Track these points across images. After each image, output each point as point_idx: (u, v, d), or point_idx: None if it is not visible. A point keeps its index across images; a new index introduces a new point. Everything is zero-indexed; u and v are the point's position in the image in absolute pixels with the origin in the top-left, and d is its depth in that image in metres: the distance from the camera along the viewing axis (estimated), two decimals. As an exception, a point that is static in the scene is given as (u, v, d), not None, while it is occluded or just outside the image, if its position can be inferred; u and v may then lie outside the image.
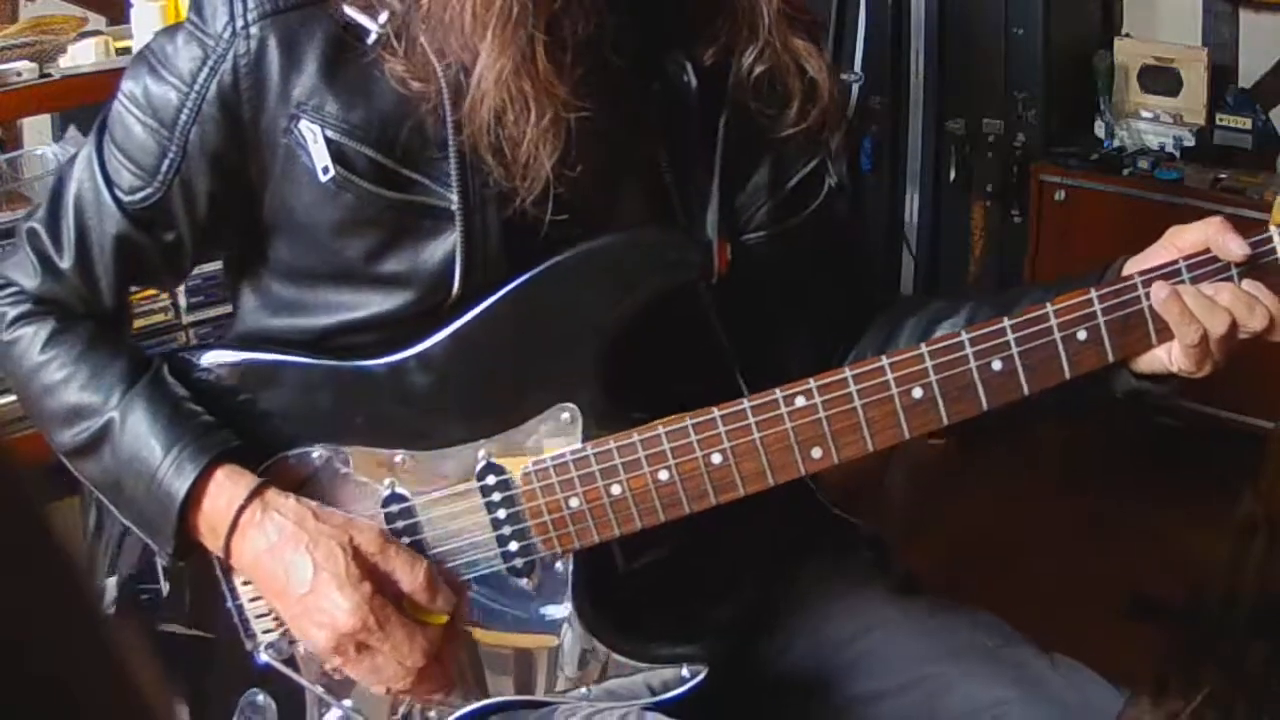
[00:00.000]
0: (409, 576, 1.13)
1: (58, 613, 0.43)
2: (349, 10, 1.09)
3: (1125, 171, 3.05)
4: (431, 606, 1.14)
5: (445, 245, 1.12)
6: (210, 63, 1.11)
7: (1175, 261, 1.11)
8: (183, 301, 2.26)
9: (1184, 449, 2.99)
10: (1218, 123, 3.06)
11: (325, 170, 1.10)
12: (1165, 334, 1.11)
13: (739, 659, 1.29)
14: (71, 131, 2.59)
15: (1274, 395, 2.78)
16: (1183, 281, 1.11)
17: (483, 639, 1.20)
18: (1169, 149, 3.08)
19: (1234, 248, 1.10)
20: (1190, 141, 3.07)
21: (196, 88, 1.11)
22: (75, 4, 2.96)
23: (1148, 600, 2.54)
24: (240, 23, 1.10)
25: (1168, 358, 1.12)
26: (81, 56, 2.26)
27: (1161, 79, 3.11)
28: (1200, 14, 3.19)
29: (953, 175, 3.26)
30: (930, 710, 1.22)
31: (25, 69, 2.21)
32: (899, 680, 1.24)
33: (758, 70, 1.18)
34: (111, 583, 1.26)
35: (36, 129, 3.00)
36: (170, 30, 1.15)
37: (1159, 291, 1.10)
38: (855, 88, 3.25)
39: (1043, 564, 2.65)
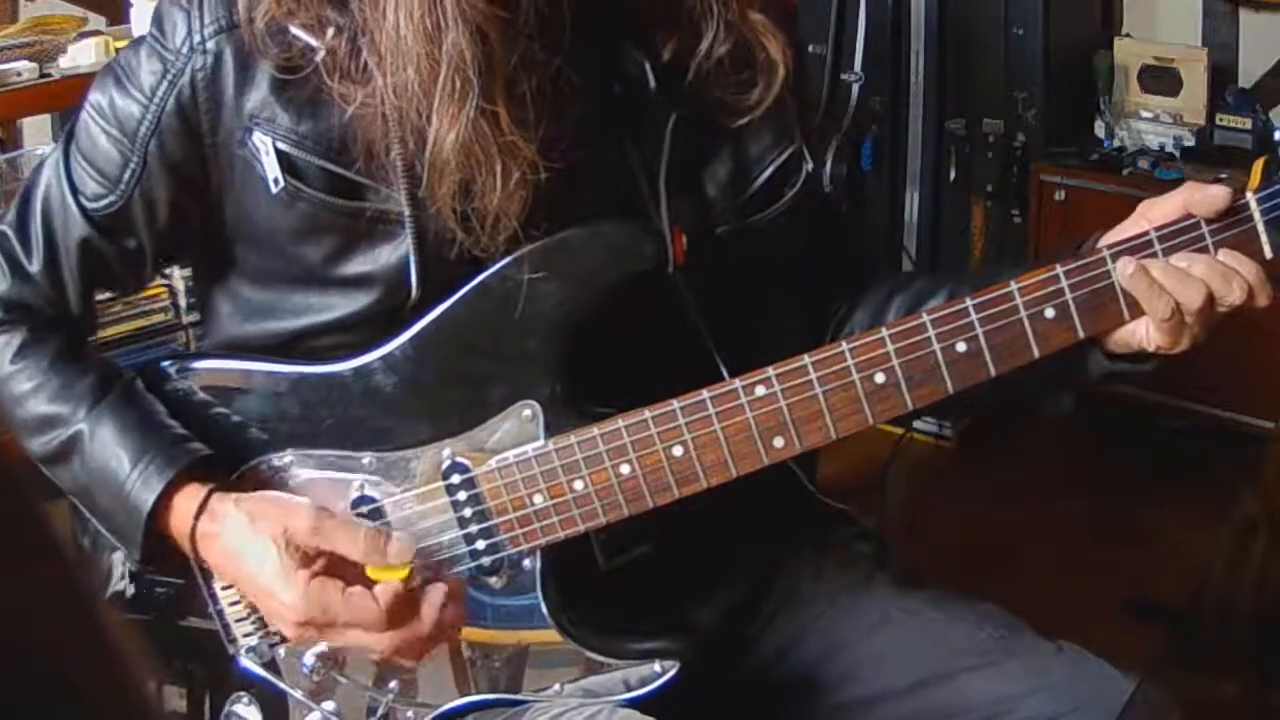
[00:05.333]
0: (351, 544, 1.12)
1: (56, 611, 0.43)
2: (294, 30, 1.10)
3: (1125, 171, 3.05)
4: (384, 562, 1.12)
5: (400, 248, 1.13)
6: (169, 76, 1.13)
7: (1146, 233, 1.08)
8: (183, 302, 2.26)
9: (1184, 449, 2.99)
10: (1218, 123, 3.05)
11: (276, 181, 1.13)
12: (1138, 309, 1.08)
13: (735, 660, 1.29)
14: (71, 131, 2.59)
15: (1274, 395, 2.78)
16: (1155, 253, 1.07)
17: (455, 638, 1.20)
18: (1169, 149, 3.08)
19: (1215, 193, 1.06)
20: (1190, 141, 3.07)
21: (156, 100, 1.14)
22: (75, 4, 2.96)
23: (1148, 600, 2.54)
24: (197, 38, 1.12)
25: (1144, 335, 1.09)
26: (81, 56, 2.27)
27: (1161, 79, 3.11)
28: (1200, 14, 3.18)
29: (953, 175, 3.26)
30: (939, 710, 1.22)
31: (25, 69, 2.22)
32: (905, 680, 1.24)
33: (718, 53, 1.18)
34: (118, 557, 1.26)
35: (36, 129, 3.01)
36: (135, 44, 1.17)
37: (1125, 266, 1.06)
38: (855, 88, 3.25)
39: (1042, 564, 2.65)
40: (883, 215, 3.35)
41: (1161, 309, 1.06)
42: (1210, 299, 1.06)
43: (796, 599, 1.30)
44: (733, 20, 1.18)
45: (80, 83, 2.21)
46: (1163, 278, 1.06)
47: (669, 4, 1.17)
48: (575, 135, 1.12)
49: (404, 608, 1.12)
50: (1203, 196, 1.07)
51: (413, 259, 1.13)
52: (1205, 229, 1.08)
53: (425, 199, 1.10)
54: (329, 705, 1.21)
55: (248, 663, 1.22)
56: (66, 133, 1.21)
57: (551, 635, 1.18)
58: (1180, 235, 1.08)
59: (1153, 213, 1.10)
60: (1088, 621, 2.34)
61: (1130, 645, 2.32)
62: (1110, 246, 1.08)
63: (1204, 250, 1.07)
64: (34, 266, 1.21)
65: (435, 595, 1.14)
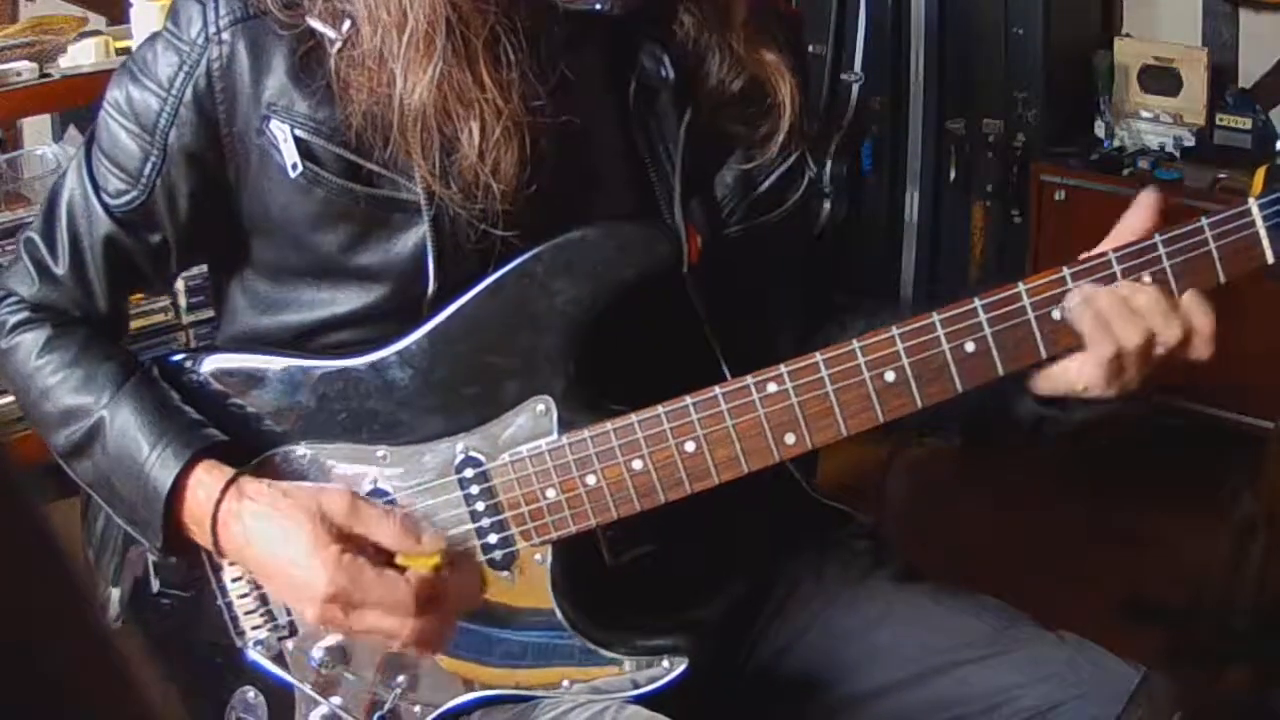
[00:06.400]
0: (386, 529, 1.13)
1: (57, 613, 0.43)
2: (312, 21, 1.12)
3: (1125, 171, 3.05)
4: (418, 550, 1.13)
5: (415, 238, 1.14)
6: (186, 68, 1.15)
7: (1151, 236, 1.09)
8: (183, 302, 2.27)
9: (1184, 449, 2.99)
10: (1218, 123, 3.05)
11: (294, 167, 1.14)
12: None
13: (738, 658, 1.29)
14: (71, 131, 2.60)
15: (1274, 395, 2.78)
16: (1159, 257, 1.08)
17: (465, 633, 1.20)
18: (1169, 149, 3.08)
19: (1143, 203, 1.09)
20: (1190, 141, 3.06)
21: (174, 92, 1.15)
22: (75, 4, 2.96)
23: (1148, 601, 2.54)
24: (213, 29, 1.14)
25: (1076, 372, 1.10)
26: (81, 56, 2.27)
27: (1161, 79, 3.11)
28: (1200, 14, 3.18)
29: (953, 175, 3.26)
30: (942, 701, 1.23)
31: (25, 69, 2.22)
32: (908, 672, 1.25)
33: (733, 86, 1.20)
34: (115, 594, 1.26)
35: (36, 129, 3.01)
36: (150, 39, 1.19)
37: (1070, 299, 1.08)
38: (855, 88, 3.25)
39: (1042, 564, 2.65)
40: (883, 215, 3.35)
41: (1105, 347, 1.08)
42: (1150, 338, 1.08)
43: (797, 598, 1.31)
44: (743, 56, 1.19)
45: (80, 83, 2.21)
46: (1109, 308, 1.07)
47: (667, 30, 1.18)
48: (573, 108, 1.13)
49: (431, 595, 1.11)
50: (1138, 212, 1.10)
51: (429, 249, 1.14)
52: (1209, 233, 1.09)
53: (399, 157, 1.12)
54: (336, 700, 1.22)
55: (255, 656, 1.23)
56: (88, 135, 1.22)
57: (561, 630, 1.18)
58: (1183, 239, 1.09)
59: (1117, 240, 1.11)
60: (1087, 622, 2.34)
61: (1130, 645, 2.31)
62: (1115, 249, 1.09)
63: (1208, 255, 1.08)
64: (60, 269, 1.22)
65: (462, 586, 1.14)
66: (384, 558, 1.13)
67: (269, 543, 1.13)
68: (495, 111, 1.09)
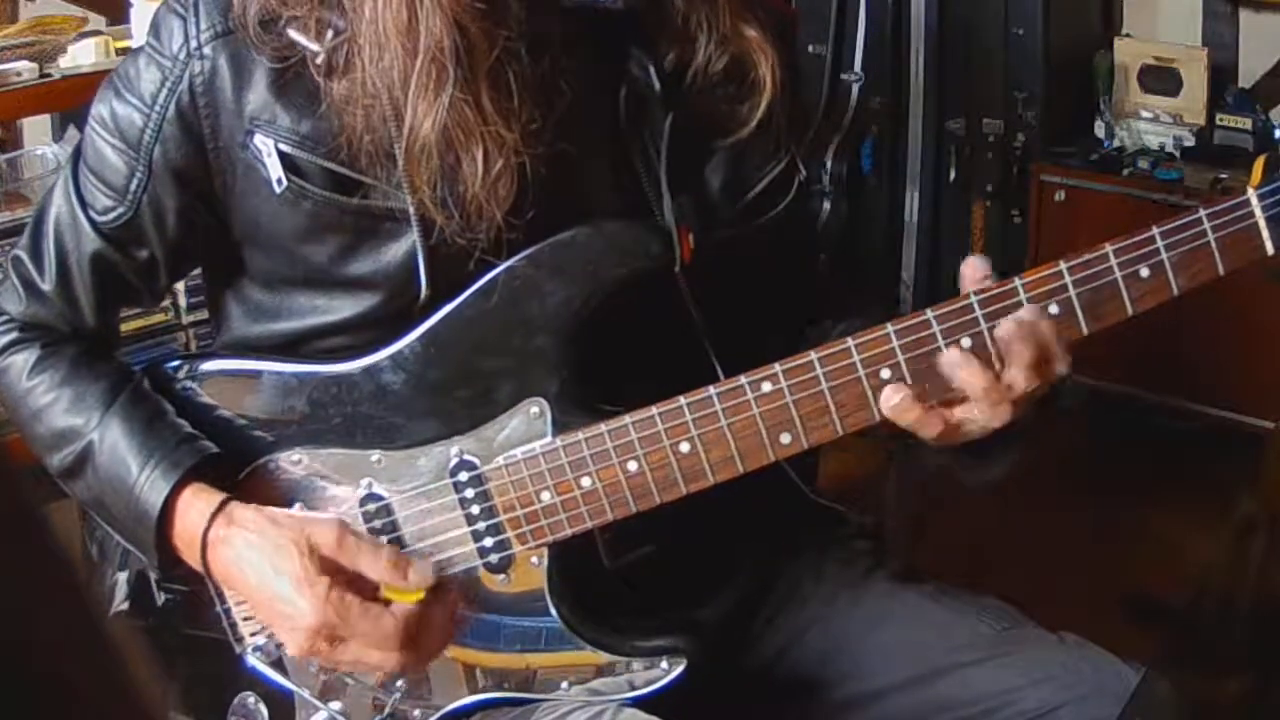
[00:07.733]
0: (373, 563, 1.13)
1: (55, 612, 0.43)
2: (293, 34, 1.11)
3: (1125, 171, 3.05)
4: (404, 586, 1.13)
5: (405, 245, 1.14)
6: (169, 83, 1.14)
7: (1149, 228, 1.08)
8: (183, 302, 2.27)
9: (1184, 449, 2.99)
10: (1218, 123, 3.06)
11: (279, 182, 1.13)
12: (1142, 301, 1.08)
13: (737, 659, 1.29)
14: (71, 131, 2.60)
15: (1274, 395, 2.78)
16: (1157, 249, 1.06)
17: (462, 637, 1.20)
18: (1169, 149, 3.08)
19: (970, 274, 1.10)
20: (1190, 141, 3.07)
21: (157, 108, 1.15)
22: (75, 4, 2.96)
23: (1148, 601, 2.54)
24: (194, 44, 1.13)
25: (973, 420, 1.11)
26: (81, 56, 2.27)
27: (1161, 79, 3.11)
28: (1200, 14, 3.19)
29: (953, 175, 3.26)
30: (942, 702, 1.23)
31: (25, 69, 2.22)
32: (908, 673, 1.24)
33: (718, 63, 1.19)
34: (123, 578, 1.26)
35: (36, 129, 3.01)
36: (134, 54, 1.18)
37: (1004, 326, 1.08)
38: (855, 88, 3.25)
39: (1043, 564, 2.65)
40: (883, 215, 3.35)
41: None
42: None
43: (796, 599, 1.31)
44: (726, 34, 1.19)
45: (80, 83, 2.21)
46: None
47: (661, 14, 1.18)
48: (569, 128, 1.13)
49: (416, 631, 1.12)
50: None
51: (421, 255, 1.13)
52: (1207, 224, 1.08)
53: (405, 185, 1.11)
54: (335, 705, 1.21)
55: (254, 661, 1.22)
56: (74, 151, 1.22)
57: (559, 632, 1.18)
58: (1181, 231, 1.08)
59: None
60: (1088, 621, 2.33)
61: (1130, 645, 2.31)
62: (1113, 242, 1.08)
63: (1206, 247, 1.07)
64: (47, 285, 1.22)
65: (443, 617, 1.15)
66: (370, 588, 1.13)
67: (259, 574, 1.12)
68: (497, 141, 1.08)
